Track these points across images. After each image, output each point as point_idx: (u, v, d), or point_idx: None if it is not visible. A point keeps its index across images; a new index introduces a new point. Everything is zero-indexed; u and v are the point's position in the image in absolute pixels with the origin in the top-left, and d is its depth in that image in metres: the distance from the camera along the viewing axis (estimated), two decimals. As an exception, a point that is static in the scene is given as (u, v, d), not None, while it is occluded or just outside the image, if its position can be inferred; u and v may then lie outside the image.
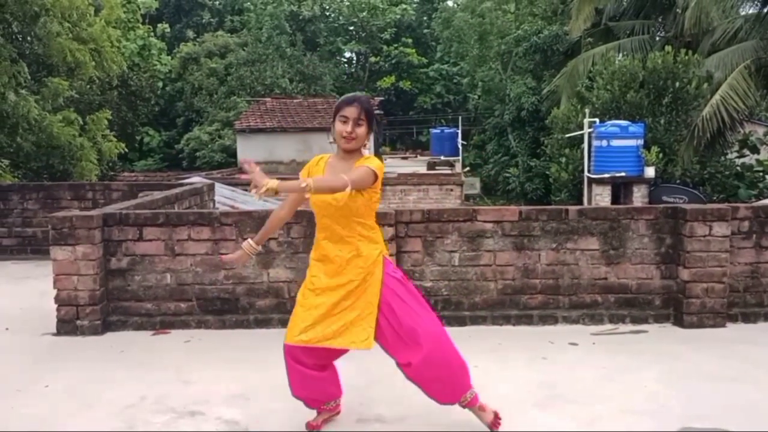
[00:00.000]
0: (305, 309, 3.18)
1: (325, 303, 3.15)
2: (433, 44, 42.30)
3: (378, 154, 25.64)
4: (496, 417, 3.31)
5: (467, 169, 27.01)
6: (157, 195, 6.88)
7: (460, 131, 27.73)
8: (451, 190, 19.54)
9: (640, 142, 13.52)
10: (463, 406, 3.29)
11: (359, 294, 3.14)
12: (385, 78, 39.42)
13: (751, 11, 15.40)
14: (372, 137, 3.12)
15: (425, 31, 43.16)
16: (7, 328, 5.31)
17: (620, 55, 17.34)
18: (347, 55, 43.50)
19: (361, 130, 3.12)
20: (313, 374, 3.24)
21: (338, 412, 3.47)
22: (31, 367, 4.44)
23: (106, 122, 18.16)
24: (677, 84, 13.90)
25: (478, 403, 3.27)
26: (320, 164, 3.24)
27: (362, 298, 3.14)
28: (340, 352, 3.28)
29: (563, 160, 15.27)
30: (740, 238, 5.28)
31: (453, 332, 3.47)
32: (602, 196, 13.79)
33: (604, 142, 13.61)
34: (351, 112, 3.09)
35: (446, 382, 3.18)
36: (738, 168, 14.48)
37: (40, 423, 3.56)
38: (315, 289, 3.19)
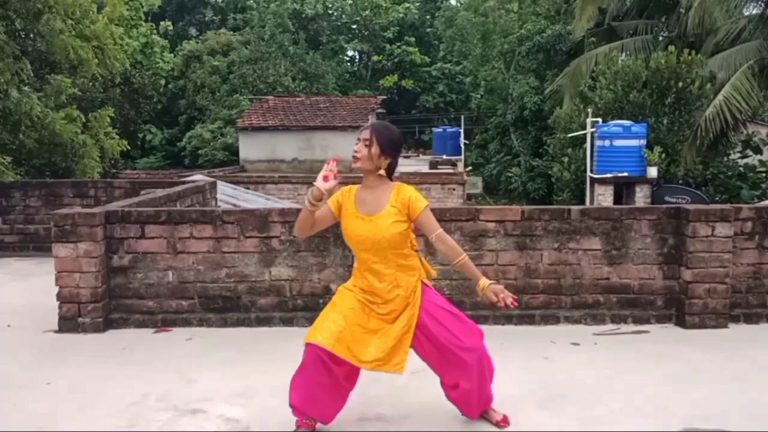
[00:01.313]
0: (342, 315, 3.19)
1: (367, 326, 3.22)
2: (435, 43, 42.25)
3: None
4: (505, 418, 3.43)
5: (469, 168, 26.98)
6: (160, 193, 6.89)
7: (462, 130, 27.65)
8: (453, 189, 19.48)
9: (643, 142, 13.49)
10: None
11: (397, 319, 3.22)
12: (387, 77, 39.32)
13: (754, 11, 15.37)
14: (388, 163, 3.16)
15: (428, 30, 43.10)
16: (9, 325, 5.33)
17: (623, 54, 17.31)
18: (350, 53, 43.41)
19: (367, 151, 3.14)
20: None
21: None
22: (33, 364, 4.45)
23: (108, 120, 18.14)
24: (680, 84, 13.86)
25: (491, 408, 3.45)
26: (351, 197, 3.25)
27: (399, 324, 3.20)
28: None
29: (566, 159, 15.25)
30: (743, 239, 5.27)
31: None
32: (604, 196, 13.76)
33: (607, 142, 13.59)
34: (363, 134, 3.20)
35: (478, 399, 3.34)
36: (741, 169, 14.46)
37: (42, 420, 3.56)
38: (360, 302, 3.23)
